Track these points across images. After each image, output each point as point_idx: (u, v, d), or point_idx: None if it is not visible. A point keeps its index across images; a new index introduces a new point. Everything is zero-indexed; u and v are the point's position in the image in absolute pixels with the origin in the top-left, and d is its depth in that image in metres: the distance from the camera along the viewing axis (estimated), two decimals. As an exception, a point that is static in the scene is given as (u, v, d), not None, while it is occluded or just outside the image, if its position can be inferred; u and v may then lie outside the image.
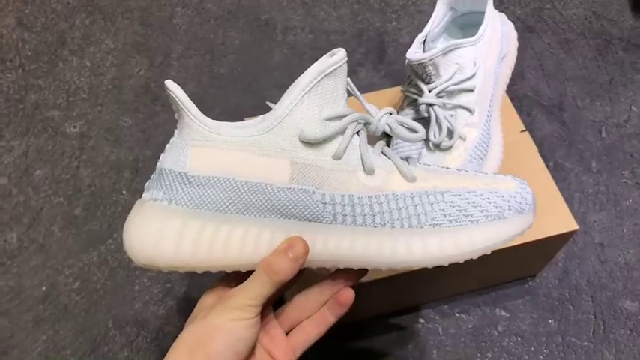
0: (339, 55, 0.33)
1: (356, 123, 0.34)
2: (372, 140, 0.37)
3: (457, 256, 0.33)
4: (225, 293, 0.35)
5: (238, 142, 0.33)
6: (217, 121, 0.34)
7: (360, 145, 0.35)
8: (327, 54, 0.33)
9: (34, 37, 0.86)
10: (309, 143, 0.33)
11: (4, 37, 0.86)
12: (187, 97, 0.34)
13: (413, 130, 0.36)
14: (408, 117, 0.50)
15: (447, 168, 0.37)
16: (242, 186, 0.33)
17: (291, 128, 0.33)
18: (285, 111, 0.33)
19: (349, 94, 0.36)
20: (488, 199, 0.34)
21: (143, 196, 0.35)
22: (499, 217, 0.34)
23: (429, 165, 0.37)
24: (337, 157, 0.34)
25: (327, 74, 0.33)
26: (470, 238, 0.33)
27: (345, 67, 0.34)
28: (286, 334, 0.38)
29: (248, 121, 0.35)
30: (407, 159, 0.36)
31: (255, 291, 0.33)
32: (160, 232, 0.33)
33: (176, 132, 0.35)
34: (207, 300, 0.36)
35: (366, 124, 0.35)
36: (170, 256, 0.33)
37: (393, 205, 0.34)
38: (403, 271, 0.34)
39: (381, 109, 0.36)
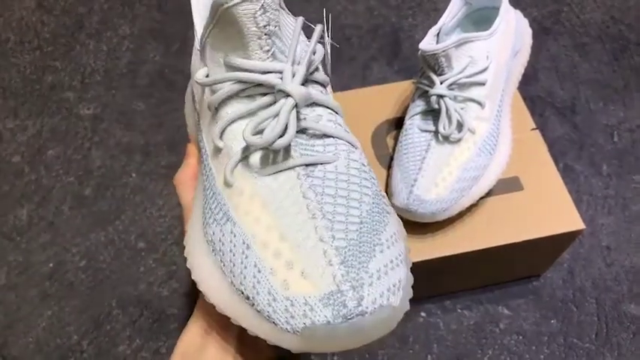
0: None
1: (249, 85, 0.27)
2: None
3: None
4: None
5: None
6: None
7: (236, 111, 0.28)
8: None
9: (52, 20, 0.87)
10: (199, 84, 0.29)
11: (23, 19, 0.87)
12: (199, 17, 0.35)
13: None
14: (418, 108, 0.50)
15: (322, 216, 0.25)
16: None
17: (200, 60, 0.30)
18: (200, 40, 0.29)
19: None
20: (246, 268, 0.24)
21: None
22: (239, 293, 0.25)
23: (305, 196, 0.26)
24: (210, 108, 0.29)
25: (224, 15, 0.26)
26: (204, 274, 0.27)
27: (247, 12, 0.26)
28: None
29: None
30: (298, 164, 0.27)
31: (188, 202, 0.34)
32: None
33: None
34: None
35: (285, 95, 0.26)
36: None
37: (208, 192, 0.28)
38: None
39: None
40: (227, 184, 0.27)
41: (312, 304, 0.22)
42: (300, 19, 0.29)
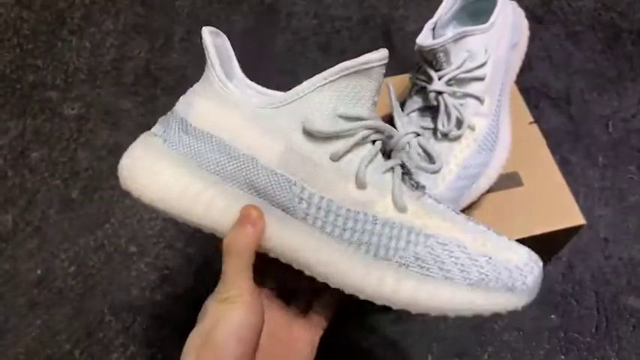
0: (377, 54, 0.31)
1: (372, 131, 0.32)
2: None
3: (410, 304, 0.31)
4: None
5: (244, 109, 0.32)
6: (236, 84, 0.34)
7: (364, 155, 0.32)
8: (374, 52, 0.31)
9: (32, 16, 0.84)
10: (311, 135, 0.31)
11: (2, 16, 0.84)
12: (214, 49, 0.33)
13: (430, 159, 0.33)
14: (416, 105, 0.48)
15: (460, 213, 0.33)
16: (231, 151, 0.32)
17: (300, 113, 0.31)
18: (299, 93, 0.31)
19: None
20: (476, 261, 0.30)
21: (152, 128, 0.35)
22: (479, 286, 0.30)
23: (440, 204, 0.33)
24: (334, 157, 0.32)
25: (358, 71, 0.31)
26: (432, 292, 0.30)
27: (380, 70, 0.31)
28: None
29: (269, 91, 0.35)
30: (421, 187, 0.33)
31: (231, 272, 0.32)
32: (144, 163, 0.33)
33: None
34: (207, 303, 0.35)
35: (389, 137, 0.33)
36: (144, 187, 0.33)
37: (369, 227, 0.31)
38: (349, 294, 0.32)
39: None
40: (402, 210, 0.32)
41: (530, 270, 0.31)
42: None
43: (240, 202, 0.33)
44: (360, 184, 0.32)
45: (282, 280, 0.38)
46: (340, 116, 0.31)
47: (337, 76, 0.31)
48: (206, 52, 0.33)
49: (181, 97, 0.35)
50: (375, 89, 0.32)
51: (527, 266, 0.31)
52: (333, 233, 0.32)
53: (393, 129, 0.33)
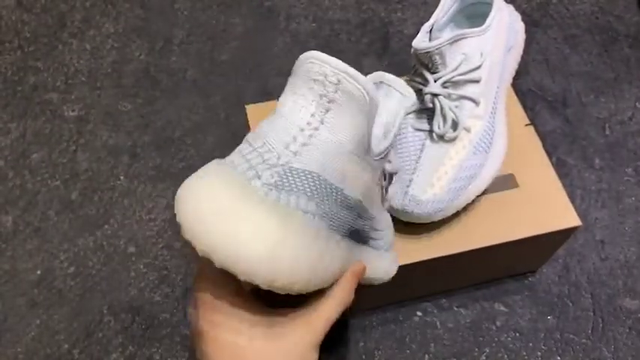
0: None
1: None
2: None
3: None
4: (225, 287, 0.29)
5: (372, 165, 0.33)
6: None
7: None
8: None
9: (33, 19, 0.84)
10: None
11: (3, 18, 0.85)
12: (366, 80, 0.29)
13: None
14: (412, 107, 0.49)
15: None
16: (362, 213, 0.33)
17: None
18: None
19: None
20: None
21: (271, 194, 0.26)
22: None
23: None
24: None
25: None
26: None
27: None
28: None
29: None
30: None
31: (332, 315, 0.30)
32: (316, 256, 0.27)
33: (327, 125, 0.28)
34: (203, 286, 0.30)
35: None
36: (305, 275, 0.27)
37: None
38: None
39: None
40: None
41: None
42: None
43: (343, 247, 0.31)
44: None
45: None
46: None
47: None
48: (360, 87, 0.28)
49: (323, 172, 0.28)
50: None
51: None
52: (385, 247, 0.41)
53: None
